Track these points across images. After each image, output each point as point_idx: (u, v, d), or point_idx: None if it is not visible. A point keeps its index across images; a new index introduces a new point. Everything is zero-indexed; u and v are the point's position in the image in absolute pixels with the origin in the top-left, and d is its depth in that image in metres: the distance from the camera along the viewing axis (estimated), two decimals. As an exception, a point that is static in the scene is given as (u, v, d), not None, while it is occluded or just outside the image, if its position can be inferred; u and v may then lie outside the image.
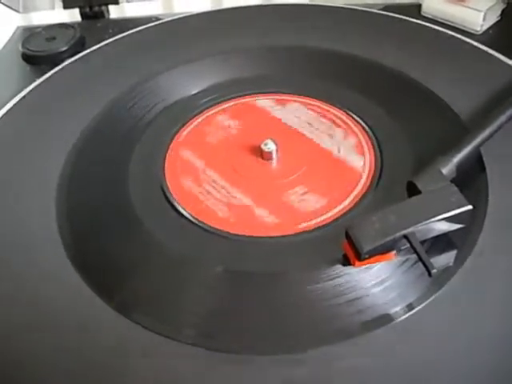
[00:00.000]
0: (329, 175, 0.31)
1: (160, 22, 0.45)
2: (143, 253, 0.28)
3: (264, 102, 0.37)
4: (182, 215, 0.30)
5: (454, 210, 0.25)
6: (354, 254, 0.25)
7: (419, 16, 0.45)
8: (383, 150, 0.32)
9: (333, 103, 0.36)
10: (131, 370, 0.23)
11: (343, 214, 0.29)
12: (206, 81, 0.38)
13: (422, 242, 0.25)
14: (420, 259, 0.24)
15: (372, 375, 0.22)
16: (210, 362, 0.23)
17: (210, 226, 0.29)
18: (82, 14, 0.50)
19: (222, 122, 0.36)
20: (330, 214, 0.29)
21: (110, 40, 0.43)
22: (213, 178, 0.32)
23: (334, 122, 0.35)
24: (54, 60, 0.43)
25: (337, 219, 0.29)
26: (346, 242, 0.25)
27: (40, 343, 0.24)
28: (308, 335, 0.24)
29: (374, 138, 0.33)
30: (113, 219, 0.30)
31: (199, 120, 0.36)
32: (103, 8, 0.50)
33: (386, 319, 0.24)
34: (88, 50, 0.42)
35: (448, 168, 0.27)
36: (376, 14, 0.43)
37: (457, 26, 0.43)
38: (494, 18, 0.43)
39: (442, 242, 0.26)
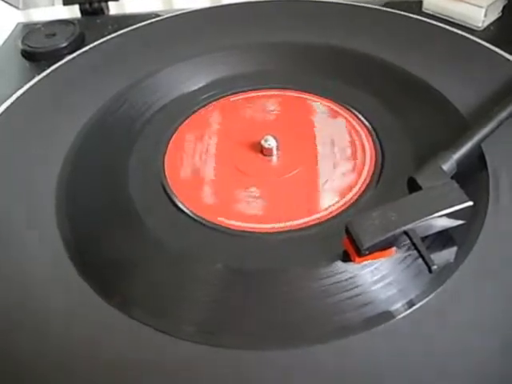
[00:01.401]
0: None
1: (160, 18, 0.45)
2: (144, 250, 0.28)
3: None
4: (183, 212, 0.29)
5: (454, 206, 0.25)
6: (354, 250, 0.25)
7: (420, 12, 0.44)
8: (384, 145, 0.32)
9: (333, 99, 0.36)
10: (132, 367, 0.23)
11: (344, 210, 0.29)
12: (206, 77, 0.38)
13: (423, 239, 0.25)
14: (420, 255, 0.24)
15: (373, 372, 0.22)
16: (211, 358, 0.23)
17: (211, 223, 0.29)
18: (81, 11, 0.50)
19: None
20: (330, 210, 0.29)
21: (110, 36, 0.43)
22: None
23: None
24: (53, 56, 0.43)
25: (337, 215, 0.28)
26: (347, 238, 0.25)
27: (40, 342, 0.24)
28: (308, 332, 0.24)
29: (374, 134, 0.33)
30: (113, 217, 0.30)
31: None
32: (103, 4, 0.50)
33: (386, 316, 0.24)
34: (88, 47, 0.42)
35: (449, 164, 0.27)
36: (377, 10, 0.43)
37: (458, 22, 0.43)
38: (495, 14, 0.43)
39: (442, 239, 0.26)
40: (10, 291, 0.26)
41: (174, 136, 0.34)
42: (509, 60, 0.36)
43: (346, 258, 0.25)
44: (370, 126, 0.34)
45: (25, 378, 0.23)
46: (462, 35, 0.39)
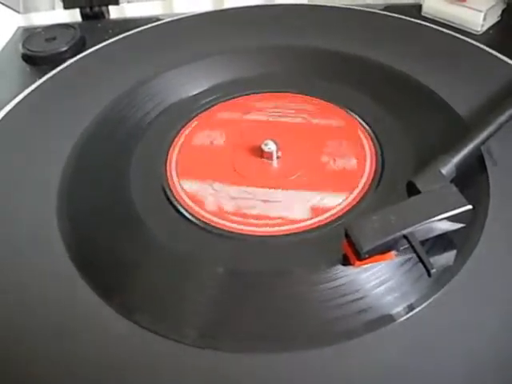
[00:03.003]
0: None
1: (160, 22, 0.45)
2: (145, 253, 0.28)
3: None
4: (184, 215, 0.30)
5: (453, 210, 0.25)
6: (353, 254, 0.25)
7: (420, 16, 0.45)
8: (384, 149, 0.32)
9: (333, 102, 0.36)
10: (132, 371, 0.23)
11: (344, 213, 0.29)
12: (207, 81, 0.38)
13: (423, 242, 0.25)
14: (420, 259, 0.24)
15: (372, 375, 0.22)
16: (211, 361, 0.23)
17: (212, 226, 0.29)
18: (82, 15, 0.50)
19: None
20: (330, 214, 0.29)
21: (111, 40, 0.43)
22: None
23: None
24: (54, 60, 0.43)
25: (337, 219, 0.29)
26: (346, 242, 0.25)
27: (40, 344, 0.24)
28: (308, 335, 0.24)
29: (374, 138, 0.33)
30: (114, 219, 0.30)
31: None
32: (103, 8, 0.50)
33: (386, 320, 0.24)
34: (88, 51, 0.42)
35: (448, 168, 0.27)
36: (377, 14, 0.43)
37: (457, 26, 0.43)
38: (494, 18, 0.43)
39: (442, 242, 0.26)
40: (10, 292, 0.26)
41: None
42: (508, 63, 0.36)
43: (346, 261, 0.25)
44: (369, 130, 0.34)
45: (25, 379, 0.23)
46: (461, 39, 0.39)
